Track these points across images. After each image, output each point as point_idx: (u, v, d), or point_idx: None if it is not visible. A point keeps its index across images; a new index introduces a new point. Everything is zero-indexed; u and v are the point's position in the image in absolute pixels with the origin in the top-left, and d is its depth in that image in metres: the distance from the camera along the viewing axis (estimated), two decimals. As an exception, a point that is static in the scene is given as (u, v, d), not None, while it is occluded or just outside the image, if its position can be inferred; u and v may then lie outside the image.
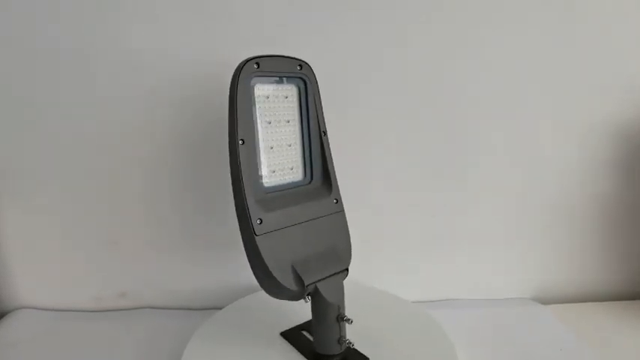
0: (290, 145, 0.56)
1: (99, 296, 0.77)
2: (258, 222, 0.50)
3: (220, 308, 0.70)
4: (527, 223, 0.79)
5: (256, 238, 0.50)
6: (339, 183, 0.58)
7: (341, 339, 0.55)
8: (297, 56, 0.55)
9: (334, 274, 0.54)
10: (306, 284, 0.51)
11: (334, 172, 0.58)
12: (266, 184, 0.55)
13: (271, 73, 0.53)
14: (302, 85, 0.56)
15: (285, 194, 0.55)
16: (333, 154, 0.58)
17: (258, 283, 0.75)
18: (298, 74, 0.55)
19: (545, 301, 0.80)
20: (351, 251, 0.57)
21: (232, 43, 0.68)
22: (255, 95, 0.52)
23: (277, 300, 0.68)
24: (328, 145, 0.57)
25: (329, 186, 0.57)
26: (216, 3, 0.68)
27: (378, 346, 0.59)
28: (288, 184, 0.57)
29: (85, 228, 0.75)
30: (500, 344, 0.67)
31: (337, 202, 0.57)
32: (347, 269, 0.56)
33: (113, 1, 0.67)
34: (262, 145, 0.54)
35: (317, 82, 0.56)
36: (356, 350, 0.57)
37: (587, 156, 0.76)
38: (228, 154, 0.49)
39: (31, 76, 0.69)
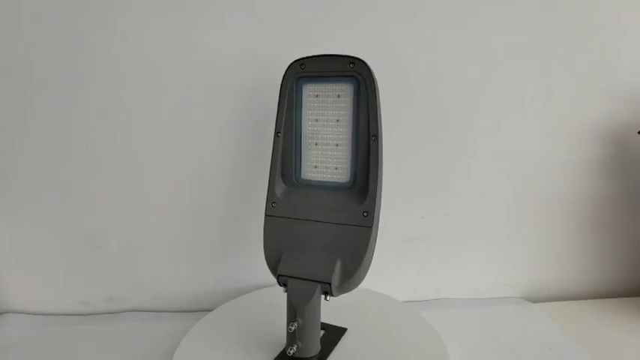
0: (337, 145, 0.55)
1: (86, 300, 0.76)
2: (272, 204, 0.56)
3: (210, 310, 0.69)
4: (517, 223, 0.80)
5: (265, 217, 0.57)
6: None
7: (293, 341, 0.54)
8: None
9: (309, 280, 0.53)
10: (277, 273, 0.54)
11: (376, 182, 0.52)
12: (303, 177, 0.57)
13: (318, 72, 0.54)
14: (356, 84, 0.54)
15: (319, 191, 0.56)
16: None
17: (247, 286, 0.76)
18: (350, 72, 0.53)
19: (534, 300, 0.81)
20: (354, 270, 0.52)
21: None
22: (304, 94, 0.56)
23: (267, 302, 0.69)
24: (376, 150, 0.52)
25: (365, 196, 0.53)
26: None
27: (369, 346, 0.59)
28: (329, 182, 0.56)
29: (72, 232, 0.74)
30: (490, 343, 0.68)
31: (367, 215, 0.52)
32: (329, 284, 0.52)
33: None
34: (306, 141, 0.57)
35: (373, 81, 0.52)
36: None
37: (575, 157, 0.78)
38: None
39: (24, 80, 0.68)
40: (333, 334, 0.61)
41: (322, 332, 0.61)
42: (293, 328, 0.53)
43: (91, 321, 0.74)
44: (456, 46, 0.71)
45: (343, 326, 0.63)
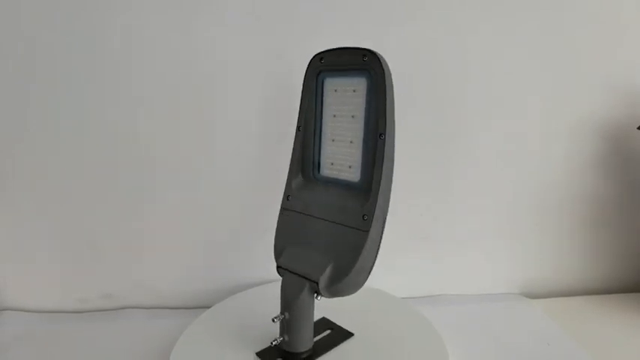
0: (351, 142, 0.53)
1: (84, 298, 0.76)
2: (287, 197, 0.57)
3: (208, 307, 0.69)
4: (516, 220, 0.80)
5: (280, 209, 0.57)
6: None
7: (282, 334, 0.54)
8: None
9: (302, 276, 0.52)
10: (277, 264, 0.55)
11: (379, 184, 0.48)
12: (321, 173, 0.57)
13: (335, 66, 0.53)
14: (369, 79, 0.50)
15: (332, 189, 0.55)
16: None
17: (245, 283, 0.77)
18: (363, 66, 0.49)
19: (533, 296, 0.82)
20: (345, 274, 0.49)
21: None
22: (325, 89, 0.55)
23: (264, 299, 0.69)
24: (383, 149, 0.48)
25: (367, 198, 0.49)
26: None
27: (368, 342, 0.59)
28: (342, 180, 0.54)
29: (70, 230, 0.74)
30: (488, 339, 0.68)
31: (365, 219, 0.49)
32: (317, 283, 0.50)
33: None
34: (325, 137, 0.56)
35: (384, 74, 0.48)
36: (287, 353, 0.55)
37: (574, 154, 0.78)
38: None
39: (24, 80, 0.68)
40: (338, 336, 0.61)
41: (328, 332, 0.61)
42: (276, 320, 0.53)
43: (89, 318, 0.74)
44: (456, 46, 0.72)
45: (341, 324, 0.63)
